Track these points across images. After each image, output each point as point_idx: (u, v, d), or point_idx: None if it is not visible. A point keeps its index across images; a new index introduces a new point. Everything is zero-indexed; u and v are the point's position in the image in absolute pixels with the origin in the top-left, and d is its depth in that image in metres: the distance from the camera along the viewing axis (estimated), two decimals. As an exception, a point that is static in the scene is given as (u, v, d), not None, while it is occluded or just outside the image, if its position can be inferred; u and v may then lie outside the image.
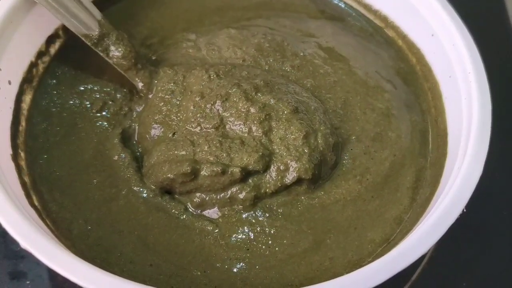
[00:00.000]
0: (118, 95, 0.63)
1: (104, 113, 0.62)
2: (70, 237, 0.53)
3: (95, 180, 0.57)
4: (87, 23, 0.60)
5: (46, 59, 0.64)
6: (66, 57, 0.65)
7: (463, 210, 0.48)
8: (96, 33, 0.60)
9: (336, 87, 0.65)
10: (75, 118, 0.61)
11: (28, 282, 0.60)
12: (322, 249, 0.54)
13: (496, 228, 0.68)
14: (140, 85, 0.62)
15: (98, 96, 0.63)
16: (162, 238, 0.54)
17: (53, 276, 0.60)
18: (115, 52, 0.61)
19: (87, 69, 0.65)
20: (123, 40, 0.61)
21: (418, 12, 0.65)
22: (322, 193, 0.58)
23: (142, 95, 0.63)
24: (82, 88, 0.63)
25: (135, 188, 0.57)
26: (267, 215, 0.56)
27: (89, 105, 0.62)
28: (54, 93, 0.63)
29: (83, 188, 0.57)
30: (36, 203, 0.54)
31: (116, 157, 0.58)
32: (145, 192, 0.57)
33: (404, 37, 0.70)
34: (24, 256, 0.61)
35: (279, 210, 0.56)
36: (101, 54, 0.61)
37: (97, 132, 0.60)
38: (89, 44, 0.60)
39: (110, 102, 0.62)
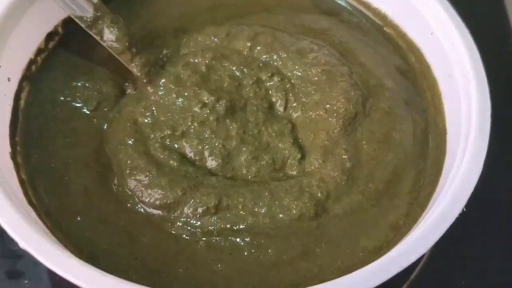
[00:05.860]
0: (110, 93, 0.62)
1: (95, 110, 0.61)
2: (60, 228, 0.52)
3: (85, 174, 0.56)
4: (83, 5, 0.59)
5: (45, 56, 0.64)
6: (61, 53, 0.65)
7: (462, 209, 0.48)
8: (91, 15, 0.59)
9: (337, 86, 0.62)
10: (67, 114, 0.61)
11: (26, 281, 0.59)
12: (311, 257, 0.53)
13: (495, 228, 0.68)
14: (135, 70, 0.61)
15: (90, 93, 0.62)
16: (147, 231, 0.53)
17: (51, 275, 0.59)
18: (109, 35, 0.60)
19: (82, 66, 0.64)
20: (118, 24, 0.60)
21: (418, 10, 0.65)
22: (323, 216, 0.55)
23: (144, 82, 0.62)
24: (74, 84, 0.62)
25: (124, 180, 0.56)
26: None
27: (80, 101, 0.61)
28: (48, 89, 0.62)
29: (75, 181, 0.56)
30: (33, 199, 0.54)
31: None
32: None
33: (403, 36, 0.70)
34: (22, 255, 0.60)
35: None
36: (95, 36, 0.60)
37: (88, 128, 0.60)
38: (83, 26, 0.59)
39: (102, 100, 0.62)
